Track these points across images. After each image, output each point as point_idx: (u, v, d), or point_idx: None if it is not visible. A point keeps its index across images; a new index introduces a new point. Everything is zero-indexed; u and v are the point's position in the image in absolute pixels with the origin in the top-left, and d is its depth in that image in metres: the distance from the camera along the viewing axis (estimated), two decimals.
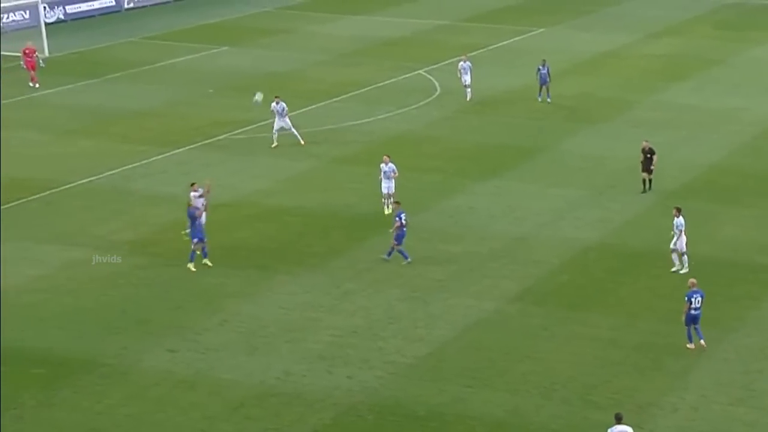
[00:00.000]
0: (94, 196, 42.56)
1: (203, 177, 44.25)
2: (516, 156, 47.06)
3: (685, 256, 35.28)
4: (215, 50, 66.19)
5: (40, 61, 59.40)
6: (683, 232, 35.13)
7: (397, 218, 36.24)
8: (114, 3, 78.07)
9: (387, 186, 40.48)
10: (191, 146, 48.24)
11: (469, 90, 54.61)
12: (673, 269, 35.24)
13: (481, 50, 65.95)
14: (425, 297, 33.99)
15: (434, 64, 61.60)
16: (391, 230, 36.53)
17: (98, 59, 64.14)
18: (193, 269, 35.53)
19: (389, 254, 36.33)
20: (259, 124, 51.30)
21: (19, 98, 56.10)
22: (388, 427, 27.16)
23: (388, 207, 40.30)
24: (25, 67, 58.57)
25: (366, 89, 57.39)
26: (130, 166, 45.80)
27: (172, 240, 38.25)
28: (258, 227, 39.65)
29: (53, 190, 42.98)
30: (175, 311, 33.05)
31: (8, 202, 41.52)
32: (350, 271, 35.80)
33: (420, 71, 60.35)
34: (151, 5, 79.58)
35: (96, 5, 77.29)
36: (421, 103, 54.65)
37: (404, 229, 36.28)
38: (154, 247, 37.64)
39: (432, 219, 40.04)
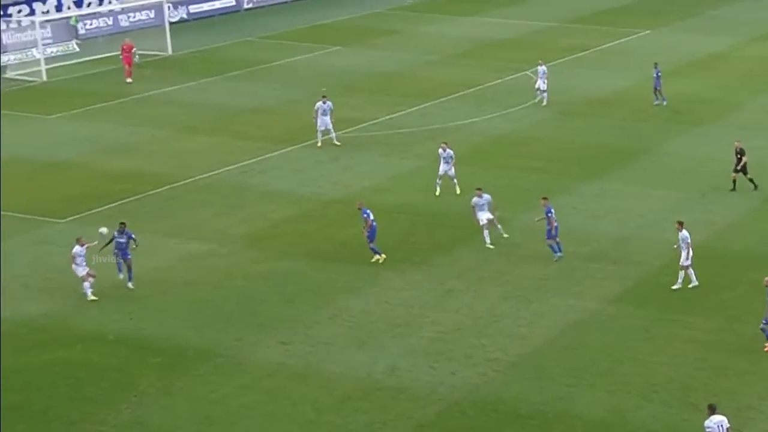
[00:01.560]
0: (212, 191, 43.05)
1: (315, 174, 44.63)
2: (620, 157, 46.47)
3: (690, 271, 34.03)
4: (329, 50, 66.49)
5: (136, 57, 60.26)
6: (690, 246, 34.01)
7: (547, 213, 36.04)
8: (234, 3, 78.83)
9: (444, 168, 41.68)
10: (304, 144, 48.48)
11: (545, 95, 53.72)
12: (690, 285, 34.04)
13: (588, 51, 65.31)
14: (528, 296, 33.77)
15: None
16: (537, 219, 36.62)
17: (218, 58, 64.86)
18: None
19: (558, 250, 36.14)
20: (371, 122, 51.47)
21: (143, 95, 56.97)
22: (490, 423, 27.06)
23: (438, 189, 41.89)
24: (125, 63, 59.43)
25: (473, 89, 57.17)
26: (247, 162, 46.24)
27: (286, 234, 38.58)
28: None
29: (173, 185, 43.55)
30: (288, 305, 33.31)
31: (131, 195, 42.18)
32: (454, 268, 35.71)
33: (526, 72, 59.87)
34: (269, 5, 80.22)
35: (217, 5, 78.05)
36: (527, 104, 54.27)
37: (556, 224, 36.07)
38: (269, 241, 37.96)
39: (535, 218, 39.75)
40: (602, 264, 35.96)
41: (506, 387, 28.59)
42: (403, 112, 53.40)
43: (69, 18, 69.41)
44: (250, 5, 79.52)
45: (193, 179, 44.17)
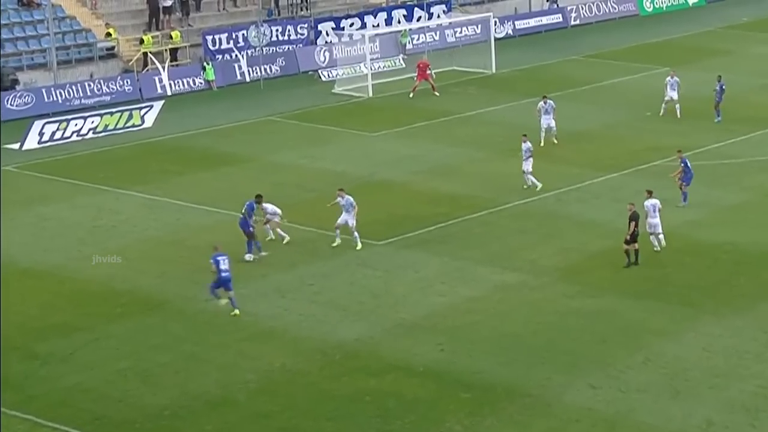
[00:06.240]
0: (527, 218, 42.54)
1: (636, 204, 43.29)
2: None
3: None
4: (655, 71, 64.62)
5: (433, 74, 60.56)
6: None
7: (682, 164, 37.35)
8: (561, 19, 78.05)
9: (344, 218, 39.06)
10: (625, 171, 47.25)
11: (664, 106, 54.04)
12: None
13: None
14: None
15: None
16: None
17: (540, 77, 64.29)
18: None
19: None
20: (696, 150, 49.54)
21: (466, 114, 57.23)
22: None
23: (338, 239, 39.25)
24: (417, 80, 59.73)
25: None
26: (565, 189, 45.47)
27: (600, 269, 37.61)
28: (686, 261, 38.22)
29: (490, 210, 43.30)
30: (599, 345, 32.40)
31: (448, 220, 42.23)
32: None
33: None
34: (595, 22, 78.96)
35: (544, 21, 77.46)
36: None
37: (690, 174, 37.78)
38: (582, 275, 37.10)
39: None
40: None
41: None
42: (731, 141, 51.23)
43: (399, 32, 70.05)
44: (577, 22, 78.53)
45: (509, 205, 43.75)
